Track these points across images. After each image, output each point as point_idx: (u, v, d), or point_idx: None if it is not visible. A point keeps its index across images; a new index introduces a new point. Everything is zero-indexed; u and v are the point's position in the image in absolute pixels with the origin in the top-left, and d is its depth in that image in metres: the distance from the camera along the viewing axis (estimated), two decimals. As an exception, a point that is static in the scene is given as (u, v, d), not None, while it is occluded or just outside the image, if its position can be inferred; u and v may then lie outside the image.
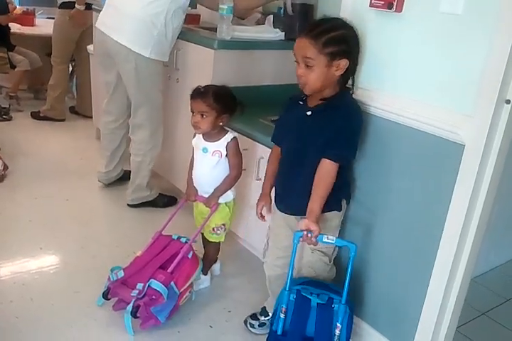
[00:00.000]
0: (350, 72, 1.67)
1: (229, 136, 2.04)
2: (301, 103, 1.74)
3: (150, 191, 2.92)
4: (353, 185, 1.91)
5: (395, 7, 1.64)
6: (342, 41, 1.60)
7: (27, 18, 4.93)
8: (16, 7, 4.92)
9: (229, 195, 2.14)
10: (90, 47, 3.85)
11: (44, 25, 4.94)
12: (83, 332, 1.94)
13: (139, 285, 1.91)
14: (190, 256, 2.05)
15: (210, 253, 2.28)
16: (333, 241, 1.66)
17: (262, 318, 2.05)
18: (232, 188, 2.13)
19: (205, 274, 2.29)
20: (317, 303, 1.73)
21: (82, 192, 3.12)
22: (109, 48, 2.65)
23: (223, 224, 2.17)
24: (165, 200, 2.97)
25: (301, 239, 1.64)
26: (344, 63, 1.61)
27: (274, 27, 2.74)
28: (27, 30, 4.80)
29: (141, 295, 1.90)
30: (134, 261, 2.05)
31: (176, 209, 2.17)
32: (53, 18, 4.58)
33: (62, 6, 4.04)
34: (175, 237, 2.12)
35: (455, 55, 1.53)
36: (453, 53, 1.54)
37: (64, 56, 4.24)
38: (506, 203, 2.46)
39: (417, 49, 1.64)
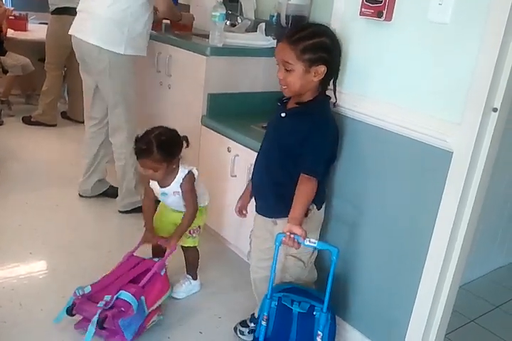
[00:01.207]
0: (329, 78, 1.69)
1: (180, 176, 2.02)
2: (279, 104, 1.78)
3: (140, 196, 2.91)
4: (340, 191, 1.92)
5: (384, 16, 1.65)
6: (321, 48, 1.61)
7: (19, 23, 4.92)
8: (11, 10, 4.88)
9: (203, 201, 2.16)
10: (83, 53, 3.86)
11: (36, 30, 4.94)
12: (72, 337, 1.92)
13: (107, 297, 1.84)
14: (162, 273, 2.00)
15: (191, 259, 2.27)
16: (315, 245, 1.65)
17: (252, 325, 2.05)
18: (207, 193, 2.16)
19: (195, 279, 2.28)
20: (298, 312, 1.74)
21: (72, 197, 3.10)
22: (83, 51, 2.68)
23: (199, 227, 2.18)
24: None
25: (283, 240, 1.63)
26: (322, 70, 1.63)
27: (266, 35, 2.76)
28: (19, 35, 4.79)
29: (109, 306, 1.81)
30: (102, 279, 1.97)
31: (134, 249, 2.10)
32: (46, 23, 4.58)
33: (56, 11, 4.03)
34: (147, 258, 2.09)
35: (443, 63, 1.55)
36: (441, 61, 1.56)
37: (58, 62, 4.24)
38: (493, 210, 2.48)
39: (406, 57, 1.66)
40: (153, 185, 2.09)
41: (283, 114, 1.73)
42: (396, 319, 1.80)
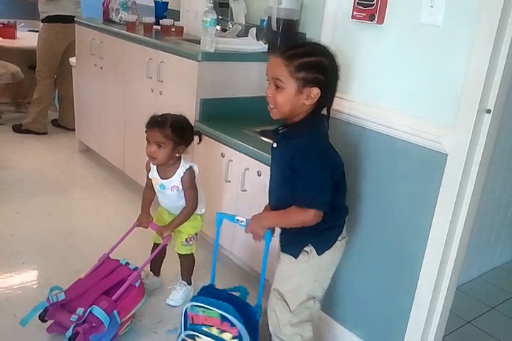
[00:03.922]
0: (323, 103, 1.54)
1: (181, 170, 2.01)
2: (274, 136, 1.66)
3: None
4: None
5: (376, 19, 1.66)
6: (317, 68, 1.48)
7: (8, 31, 4.88)
8: None
9: (200, 210, 2.14)
10: (73, 60, 3.85)
11: (25, 37, 4.91)
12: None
13: (79, 310, 1.81)
14: (137, 284, 1.96)
15: (187, 265, 2.26)
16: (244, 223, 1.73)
17: None
18: (204, 201, 2.14)
19: (190, 284, 2.27)
20: None
21: (64, 205, 3.08)
22: None
23: (196, 234, 2.17)
24: None
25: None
26: (316, 92, 1.48)
27: (257, 39, 2.76)
28: (8, 42, 4.76)
29: (81, 321, 1.80)
30: (76, 283, 1.95)
31: (125, 233, 2.11)
32: (35, 31, 4.56)
33: (47, 19, 4.01)
34: (123, 262, 2.03)
35: (436, 65, 1.56)
36: (434, 64, 1.56)
37: (49, 70, 4.21)
38: (487, 211, 2.49)
39: (398, 60, 1.66)
40: (154, 174, 2.06)
41: (274, 145, 1.62)
42: (394, 322, 1.80)
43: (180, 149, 1.98)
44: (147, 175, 2.12)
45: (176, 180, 2.02)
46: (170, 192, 2.05)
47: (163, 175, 2.04)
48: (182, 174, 2.01)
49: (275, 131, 1.64)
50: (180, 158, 2.03)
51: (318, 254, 1.64)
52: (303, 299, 1.69)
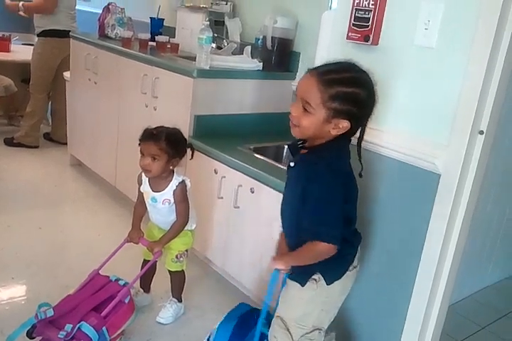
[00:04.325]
0: (350, 134, 1.44)
1: (174, 183, 2.01)
2: (290, 150, 1.55)
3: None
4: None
5: (371, 40, 1.69)
6: (353, 101, 1.35)
7: (2, 44, 4.88)
8: None
9: (191, 225, 2.13)
10: (67, 74, 3.85)
11: (19, 51, 4.91)
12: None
13: (68, 327, 1.77)
14: (127, 301, 1.94)
15: (178, 282, 2.24)
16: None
17: None
18: (195, 217, 2.12)
19: (181, 301, 2.25)
20: None
21: (55, 220, 3.06)
22: None
23: (186, 250, 2.15)
24: None
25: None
26: (345, 125, 1.37)
27: (252, 57, 2.79)
28: (2, 56, 4.75)
29: (69, 338, 1.76)
30: (65, 299, 1.92)
31: (116, 249, 2.09)
32: (29, 44, 4.56)
33: (43, 34, 4.02)
34: (113, 279, 2.01)
35: (430, 86, 1.58)
36: (428, 85, 1.59)
37: (44, 84, 4.20)
38: (479, 230, 2.50)
39: (393, 81, 1.68)
40: (145, 188, 2.05)
41: (292, 164, 1.50)
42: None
43: (174, 162, 1.98)
44: (139, 189, 2.11)
45: (168, 193, 2.01)
46: (161, 205, 2.03)
47: (156, 188, 2.03)
48: (175, 187, 2.01)
49: (293, 147, 1.52)
50: (173, 171, 2.03)
51: (327, 284, 1.55)
52: (307, 330, 1.60)
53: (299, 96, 1.39)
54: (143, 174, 2.05)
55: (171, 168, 1.99)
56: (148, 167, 1.94)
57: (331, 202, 1.40)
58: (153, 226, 2.17)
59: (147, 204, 2.09)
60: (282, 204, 1.59)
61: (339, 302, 1.65)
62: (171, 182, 2.01)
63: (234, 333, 1.76)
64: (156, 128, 1.99)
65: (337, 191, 1.40)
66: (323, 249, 1.43)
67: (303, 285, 1.56)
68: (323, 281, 1.54)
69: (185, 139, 2.06)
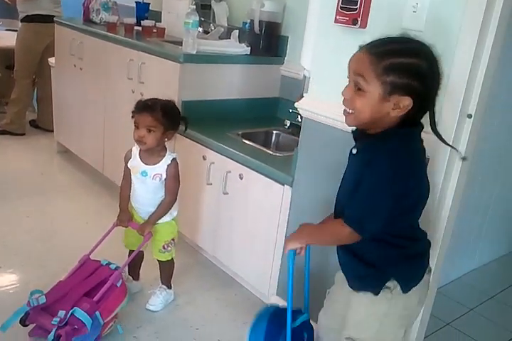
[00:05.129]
0: (416, 116, 1.25)
1: (169, 158, 1.98)
2: (354, 137, 1.36)
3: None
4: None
5: (359, 23, 1.67)
6: (412, 73, 1.17)
7: (-15, 30, 4.82)
8: None
9: (172, 213, 2.09)
10: (52, 60, 3.80)
11: (3, 37, 4.83)
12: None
13: (61, 313, 1.77)
14: (119, 284, 1.93)
15: (166, 270, 2.23)
16: None
17: None
18: (176, 205, 2.08)
19: (170, 287, 2.24)
20: None
21: (42, 208, 3.03)
22: None
23: (173, 239, 2.13)
24: None
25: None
26: (406, 103, 1.18)
27: (239, 42, 2.76)
28: (-15, 42, 4.69)
29: (63, 324, 1.77)
30: (56, 286, 1.92)
31: (105, 233, 2.08)
32: (13, 30, 4.49)
33: (26, 19, 3.95)
34: (104, 263, 2.00)
35: (418, 70, 1.57)
36: (416, 69, 1.57)
37: (28, 70, 4.14)
38: (465, 214, 2.52)
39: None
40: (134, 162, 2.00)
41: (354, 151, 1.33)
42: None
43: (169, 134, 1.95)
44: (125, 167, 2.05)
45: (161, 167, 1.97)
46: (151, 180, 1.98)
47: (147, 161, 1.98)
48: (169, 162, 1.97)
49: (358, 133, 1.34)
50: (165, 147, 2.00)
51: (404, 291, 1.33)
52: None
53: (351, 72, 1.23)
54: (133, 149, 2.02)
55: (166, 140, 1.97)
56: (144, 139, 1.91)
57: (382, 191, 1.22)
58: (137, 216, 2.12)
59: (134, 181, 2.02)
60: (338, 193, 1.41)
61: (415, 318, 1.47)
62: (165, 157, 1.98)
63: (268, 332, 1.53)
64: (150, 99, 1.95)
65: (393, 183, 1.21)
66: (347, 235, 1.27)
67: (376, 294, 1.33)
68: (398, 289, 1.33)
69: (180, 111, 2.03)
